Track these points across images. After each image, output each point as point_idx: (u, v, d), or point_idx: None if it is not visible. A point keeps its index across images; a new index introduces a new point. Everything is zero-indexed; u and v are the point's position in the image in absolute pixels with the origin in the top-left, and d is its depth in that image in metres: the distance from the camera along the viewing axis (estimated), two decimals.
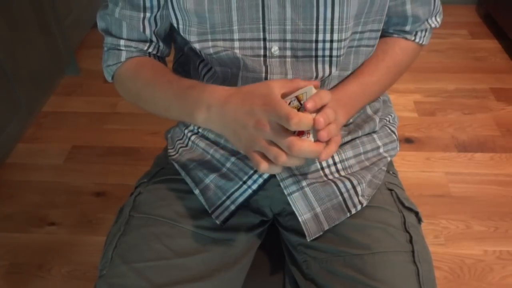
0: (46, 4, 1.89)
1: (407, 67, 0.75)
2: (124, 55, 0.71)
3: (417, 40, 0.73)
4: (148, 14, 0.69)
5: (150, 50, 0.73)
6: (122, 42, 0.71)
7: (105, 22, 0.72)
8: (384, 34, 0.74)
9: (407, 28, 0.72)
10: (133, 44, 0.71)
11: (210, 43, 0.65)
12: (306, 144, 0.51)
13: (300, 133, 0.54)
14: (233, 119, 0.56)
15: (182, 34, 0.68)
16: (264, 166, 0.54)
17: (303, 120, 0.51)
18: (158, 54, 0.75)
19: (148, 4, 0.68)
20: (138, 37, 0.71)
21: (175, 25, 0.68)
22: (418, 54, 0.77)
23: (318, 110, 0.54)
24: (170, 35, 0.75)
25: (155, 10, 0.69)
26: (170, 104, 0.65)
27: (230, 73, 0.68)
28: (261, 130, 0.53)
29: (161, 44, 0.74)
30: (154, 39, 0.72)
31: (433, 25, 0.73)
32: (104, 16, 0.72)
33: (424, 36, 0.74)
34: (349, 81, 0.69)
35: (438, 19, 0.73)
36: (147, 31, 0.71)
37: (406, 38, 0.73)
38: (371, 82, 0.71)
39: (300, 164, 0.54)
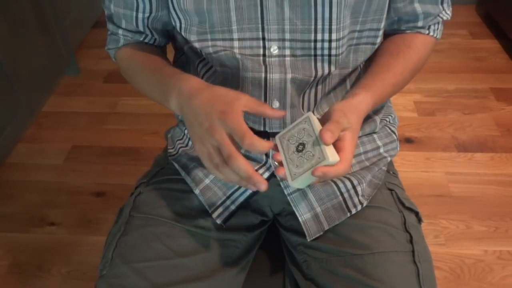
0: (46, 4, 1.89)
1: (425, 63, 0.75)
2: (122, 42, 0.75)
3: (431, 33, 0.73)
4: (140, 15, 0.70)
5: (146, 40, 0.76)
6: (120, 31, 0.74)
7: (110, 11, 0.74)
8: (397, 32, 0.73)
9: (420, 23, 0.72)
10: (129, 34, 0.74)
11: (209, 43, 0.66)
12: (243, 162, 0.52)
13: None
14: (194, 114, 0.57)
15: (183, 33, 0.68)
16: (208, 167, 0.56)
17: (255, 143, 0.51)
18: (155, 44, 0.77)
19: (141, 6, 0.69)
20: (134, 29, 0.74)
21: (177, 24, 0.68)
22: (433, 50, 0.77)
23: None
24: (167, 28, 0.75)
25: (147, 13, 0.70)
26: (153, 89, 0.69)
27: (230, 73, 0.68)
28: (211, 135, 0.54)
29: (156, 36, 0.75)
30: (148, 32, 0.74)
31: (444, 18, 0.73)
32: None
33: (437, 29, 0.74)
34: (385, 82, 0.67)
35: (448, 12, 0.73)
36: (141, 27, 0.73)
37: (420, 33, 0.73)
38: (400, 81, 0.70)
39: (236, 181, 0.54)
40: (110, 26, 0.76)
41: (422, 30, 0.73)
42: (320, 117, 0.59)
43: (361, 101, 0.62)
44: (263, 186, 0.52)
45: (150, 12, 0.70)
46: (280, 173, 0.55)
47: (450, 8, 0.73)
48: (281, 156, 0.56)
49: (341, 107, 0.58)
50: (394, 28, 0.73)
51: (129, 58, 0.75)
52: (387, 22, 0.70)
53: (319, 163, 0.52)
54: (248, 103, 0.56)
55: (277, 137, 0.58)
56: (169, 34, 0.77)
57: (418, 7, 0.70)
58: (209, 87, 0.59)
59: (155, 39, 0.76)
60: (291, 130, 0.57)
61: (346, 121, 0.56)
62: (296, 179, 0.53)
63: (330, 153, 0.52)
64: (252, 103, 0.56)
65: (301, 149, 0.54)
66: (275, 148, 0.57)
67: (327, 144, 0.52)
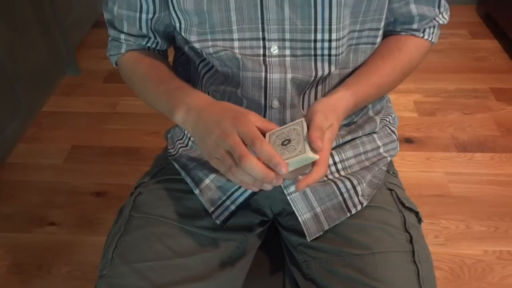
0: (46, 4, 1.89)
1: (417, 66, 0.75)
2: (124, 47, 0.75)
3: (426, 37, 0.73)
4: (144, 15, 0.70)
5: (149, 44, 0.75)
6: (122, 36, 0.74)
7: (111, 15, 0.73)
8: (392, 33, 0.74)
9: (415, 26, 0.72)
10: (132, 39, 0.74)
11: (210, 43, 0.66)
12: (255, 162, 0.51)
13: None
14: (204, 125, 0.58)
15: (183, 34, 0.68)
16: (223, 171, 0.56)
17: (264, 148, 0.52)
18: (158, 48, 0.77)
19: (144, 7, 0.69)
20: (137, 33, 0.73)
21: (177, 25, 0.68)
22: (427, 53, 0.77)
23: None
24: (169, 31, 0.75)
25: (151, 14, 0.70)
26: (157, 100, 0.69)
27: (231, 72, 0.68)
28: (222, 139, 0.54)
29: (159, 39, 0.75)
30: (151, 35, 0.74)
31: (440, 22, 0.73)
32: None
33: (433, 33, 0.74)
34: (369, 82, 0.68)
35: (446, 16, 0.73)
36: (144, 29, 0.72)
37: (415, 36, 0.73)
38: (387, 83, 0.70)
39: (251, 182, 0.54)
40: (111, 32, 0.75)
41: (417, 33, 0.73)
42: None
43: (340, 98, 0.62)
44: (280, 180, 0.52)
45: (154, 13, 0.69)
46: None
47: (448, 13, 0.73)
48: None
49: (322, 107, 0.59)
50: (389, 29, 0.73)
51: (133, 65, 0.74)
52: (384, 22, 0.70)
53: (298, 156, 0.53)
54: (258, 118, 0.56)
55: (267, 132, 0.58)
56: (171, 37, 0.77)
57: (413, 8, 0.69)
58: (218, 102, 0.61)
59: (158, 43, 0.75)
60: (283, 129, 0.58)
61: (327, 123, 0.57)
62: None
63: (308, 148, 0.54)
64: (261, 119, 0.57)
65: (286, 143, 0.55)
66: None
67: (320, 151, 0.53)
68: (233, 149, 0.53)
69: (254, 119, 0.56)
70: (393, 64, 0.70)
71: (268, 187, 0.54)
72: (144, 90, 0.72)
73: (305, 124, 0.57)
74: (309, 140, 0.54)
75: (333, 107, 0.60)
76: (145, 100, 0.73)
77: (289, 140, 0.56)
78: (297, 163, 0.53)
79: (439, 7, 0.71)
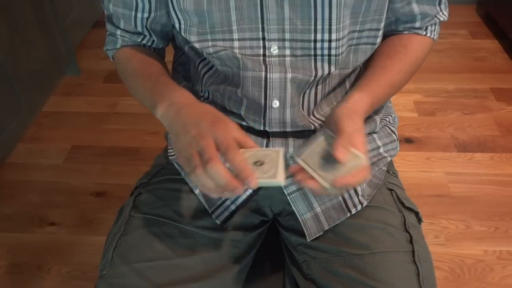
0: (46, 4, 1.89)
1: (421, 64, 0.75)
2: (119, 43, 0.75)
3: (428, 34, 0.73)
4: (139, 14, 0.70)
5: (144, 42, 0.75)
6: (118, 32, 0.74)
7: (108, 11, 0.74)
8: (395, 33, 0.74)
9: (417, 24, 0.72)
10: (127, 35, 0.74)
11: (210, 43, 0.66)
12: (222, 168, 0.51)
13: None
14: (182, 124, 0.57)
15: (183, 34, 0.68)
16: (188, 171, 0.55)
17: (237, 158, 0.51)
18: (153, 46, 0.77)
19: (140, 6, 0.69)
20: (133, 30, 0.73)
21: (176, 25, 0.68)
22: (430, 51, 0.77)
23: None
24: (166, 30, 0.75)
25: (146, 13, 0.70)
26: (144, 95, 0.69)
27: (231, 72, 0.68)
28: (196, 140, 0.54)
29: (155, 38, 0.75)
30: (147, 33, 0.74)
31: (441, 19, 0.73)
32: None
33: (434, 30, 0.74)
34: (381, 82, 0.68)
35: (445, 12, 0.73)
36: (139, 27, 0.72)
37: (417, 34, 0.73)
38: (398, 81, 0.70)
39: (212, 188, 0.53)
40: (108, 27, 0.75)
41: (419, 31, 0.73)
42: (324, 119, 0.60)
43: (357, 101, 0.62)
44: (241, 191, 0.52)
45: (150, 12, 0.70)
46: None
47: (447, 9, 0.73)
48: None
49: (345, 111, 0.59)
50: (391, 29, 0.73)
51: (126, 60, 0.75)
52: (385, 23, 0.70)
53: (268, 179, 0.53)
54: (238, 130, 0.56)
55: (242, 149, 0.57)
56: (168, 37, 0.77)
57: (415, 7, 0.70)
58: (201, 103, 0.61)
59: (153, 41, 0.75)
60: (258, 152, 0.57)
61: (355, 126, 0.57)
62: None
63: (281, 175, 0.54)
64: (241, 132, 0.56)
65: (258, 164, 0.55)
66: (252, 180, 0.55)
67: (342, 162, 0.53)
68: (204, 151, 0.52)
69: (235, 129, 0.55)
70: (401, 63, 0.70)
71: (227, 195, 0.53)
72: (134, 85, 0.72)
73: (281, 154, 0.57)
74: (285, 167, 0.54)
75: (355, 110, 0.60)
76: (135, 95, 0.73)
77: (262, 163, 0.55)
78: (265, 185, 0.54)
79: (439, 4, 0.71)
